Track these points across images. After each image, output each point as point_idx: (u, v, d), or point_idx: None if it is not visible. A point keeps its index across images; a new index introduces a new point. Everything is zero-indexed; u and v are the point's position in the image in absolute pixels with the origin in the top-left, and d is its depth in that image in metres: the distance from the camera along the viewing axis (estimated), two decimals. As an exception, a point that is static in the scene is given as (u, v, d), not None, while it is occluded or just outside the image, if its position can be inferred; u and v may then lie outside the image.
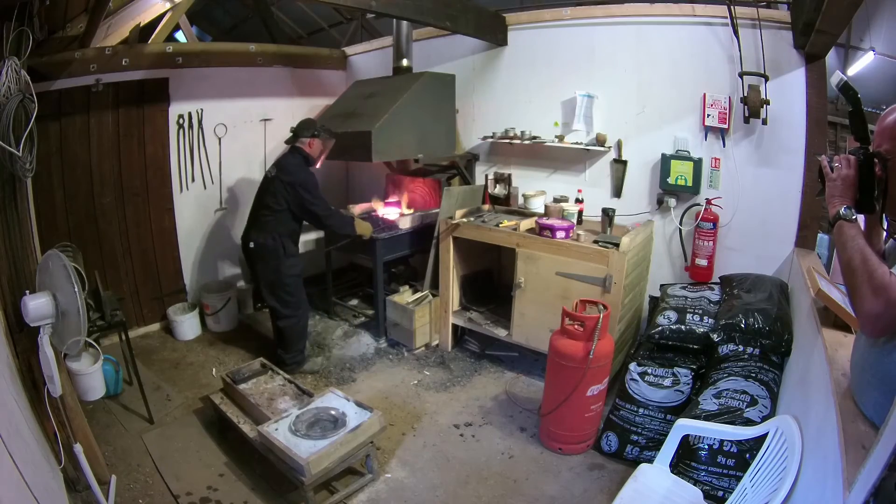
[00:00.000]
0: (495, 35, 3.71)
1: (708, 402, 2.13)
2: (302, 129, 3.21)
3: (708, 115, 2.97)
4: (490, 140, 3.82)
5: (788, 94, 2.75)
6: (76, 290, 1.89)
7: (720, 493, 1.95)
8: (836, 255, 1.29)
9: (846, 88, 1.20)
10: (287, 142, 3.29)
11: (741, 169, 2.96)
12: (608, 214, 3.18)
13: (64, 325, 1.97)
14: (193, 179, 4.00)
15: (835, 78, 1.23)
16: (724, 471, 1.97)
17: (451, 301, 3.62)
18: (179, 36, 4.86)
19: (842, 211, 1.18)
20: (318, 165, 3.31)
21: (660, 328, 2.57)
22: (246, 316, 4.25)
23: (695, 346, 2.50)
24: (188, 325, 3.87)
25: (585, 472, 2.52)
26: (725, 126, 2.94)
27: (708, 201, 3.02)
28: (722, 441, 1.98)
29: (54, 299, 1.93)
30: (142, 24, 3.42)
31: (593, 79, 3.40)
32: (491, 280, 3.92)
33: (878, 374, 1.16)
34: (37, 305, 1.88)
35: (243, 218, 3.49)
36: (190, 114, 3.89)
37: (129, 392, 3.08)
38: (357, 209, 4.06)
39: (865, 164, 1.18)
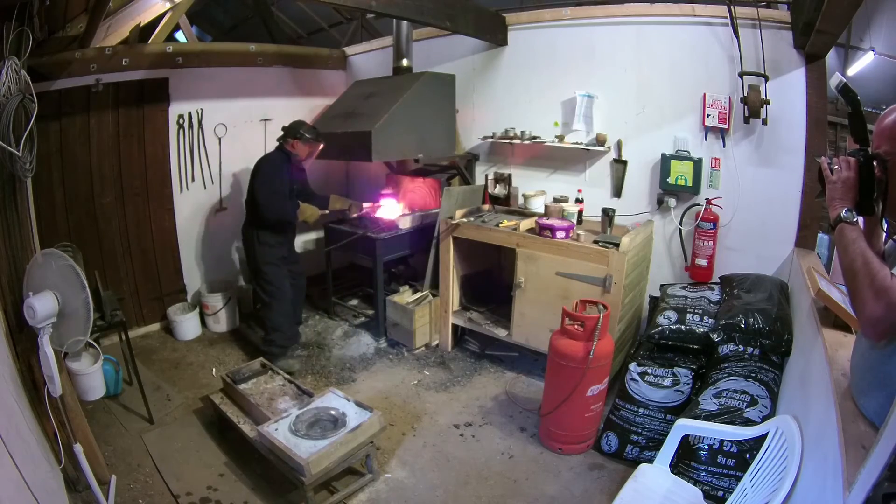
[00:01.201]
0: (495, 35, 3.71)
1: (708, 402, 2.13)
2: (287, 131, 3.32)
3: (708, 115, 2.97)
4: (490, 140, 3.82)
5: (788, 94, 2.75)
6: (85, 290, 1.91)
7: (720, 493, 1.95)
8: (836, 257, 1.28)
9: (846, 90, 1.20)
10: (277, 139, 3.39)
11: (741, 169, 2.96)
12: (608, 214, 3.19)
13: (64, 325, 1.97)
14: (193, 179, 4.00)
15: (834, 80, 1.23)
16: (724, 471, 1.97)
17: (451, 301, 3.62)
18: (179, 36, 4.86)
19: (843, 213, 1.18)
20: (306, 166, 3.45)
21: (660, 328, 2.57)
22: (246, 316, 4.25)
23: (695, 346, 2.50)
24: (188, 325, 3.87)
25: (585, 472, 2.52)
26: (725, 126, 2.95)
27: (708, 201, 3.02)
28: (722, 441, 1.98)
29: (56, 299, 1.93)
30: (142, 24, 3.42)
31: (593, 79, 3.40)
32: (491, 280, 3.92)
33: (878, 376, 1.16)
34: (44, 306, 1.88)
35: (243, 217, 3.48)
36: (190, 114, 3.89)
37: (129, 392, 3.08)
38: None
39: (865, 165, 1.18)
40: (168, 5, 3.47)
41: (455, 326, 3.68)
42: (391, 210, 4.07)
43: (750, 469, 1.78)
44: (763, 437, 1.77)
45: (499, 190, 3.92)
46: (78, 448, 2.08)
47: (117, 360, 3.05)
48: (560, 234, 3.01)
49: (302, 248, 4.77)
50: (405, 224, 3.79)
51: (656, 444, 2.35)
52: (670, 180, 3.12)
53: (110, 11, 3.16)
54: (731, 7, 2.76)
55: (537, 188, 3.72)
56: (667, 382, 2.44)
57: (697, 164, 3.04)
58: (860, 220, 1.19)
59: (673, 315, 2.61)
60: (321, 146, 3.40)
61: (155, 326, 4.00)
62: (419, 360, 3.58)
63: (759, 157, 2.91)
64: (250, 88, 4.22)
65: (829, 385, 1.40)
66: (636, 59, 3.22)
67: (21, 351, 2.04)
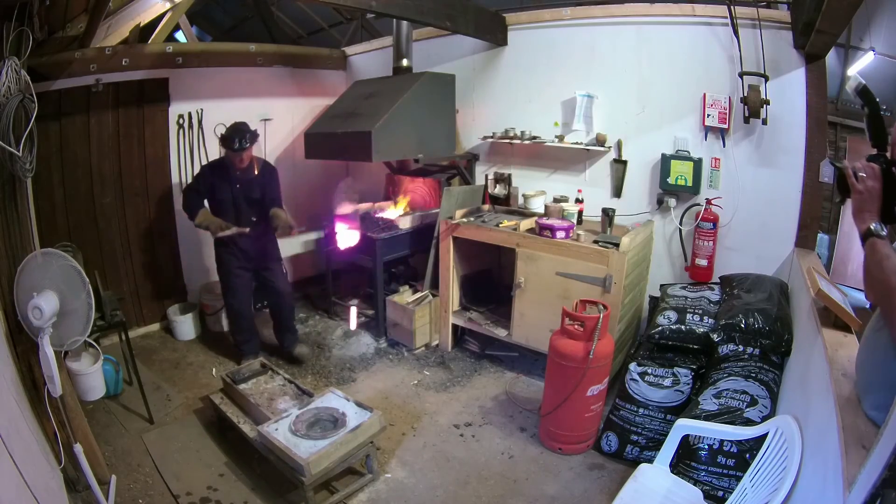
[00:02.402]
0: (495, 35, 3.71)
1: (708, 402, 2.13)
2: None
3: (708, 115, 2.97)
4: (490, 140, 3.82)
5: (788, 94, 2.75)
6: (86, 286, 1.91)
7: (720, 493, 1.95)
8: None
9: (865, 93, 1.17)
10: None
11: (741, 169, 2.96)
12: (608, 214, 3.18)
13: (63, 325, 1.97)
14: (193, 179, 4.00)
15: (853, 82, 1.19)
16: (724, 471, 1.97)
17: (451, 301, 3.62)
18: (179, 36, 4.86)
19: (873, 227, 1.13)
20: (234, 168, 3.17)
21: (660, 328, 2.57)
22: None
23: (695, 346, 2.50)
24: (188, 325, 3.87)
25: (585, 472, 2.52)
26: (725, 126, 2.94)
27: (708, 201, 3.02)
28: (722, 441, 1.98)
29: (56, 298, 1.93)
30: (142, 24, 3.42)
31: (593, 79, 3.40)
32: (491, 280, 3.92)
33: (885, 375, 1.15)
34: (50, 306, 1.87)
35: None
36: (190, 114, 3.89)
37: (129, 392, 3.08)
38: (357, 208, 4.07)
39: (888, 173, 1.13)
40: (168, 5, 3.47)
41: (455, 326, 3.68)
42: (347, 239, 3.78)
43: (750, 469, 1.78)
44: (763, 437, 1.77)
45: (499, 190, 3.92)
46: (78, 448, 2.08)
47: (117, 360, 3.05)
48: (560, 234, 3.01)
49: (302, 248, 4.76)
50: (405, 224, 3.79)
51: (656, 444, 2.35)
52: (670, 180, 3.12)
53: (110, 11, 3.16)
54: (731, 7, 2.75)
55: (537, 188, 3.72)
56: (667, 382, 2.44)
57: (697, 164, 3.03)
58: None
59: (673, 315, 2.61)
60: (241, 155, 3.09)
61: (155, 326, 4.00)
62: (419, 360, 3.58)
63: (759, 157, 2.91)
64: (250, 88, 4.22)
65: (829, 385, 1.40)
66: (636, 59, 3.21)
67: (21, 351, 2.04)
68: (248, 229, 3.22)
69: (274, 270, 3.44)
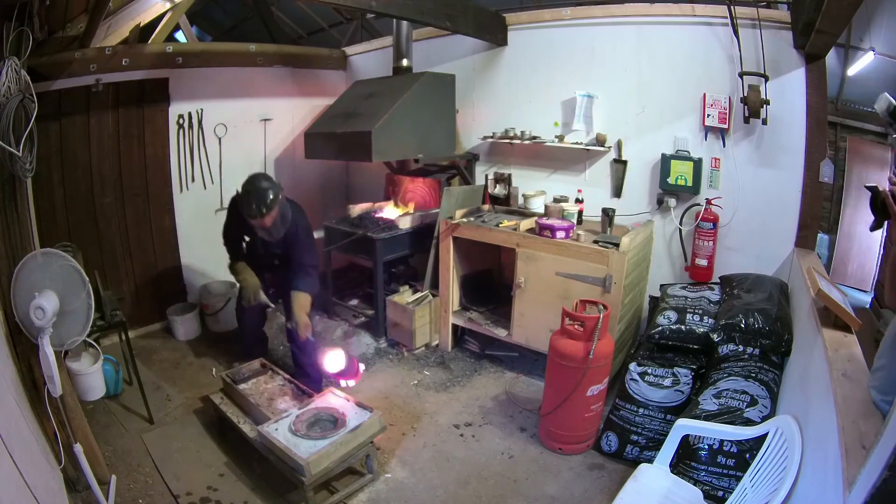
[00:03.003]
0: (495, 35, 3.71)
1: (708, 402, 2.13)
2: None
3: (708, 115, 2.97)
4: (490, 140, 3.82)
5: (788, 94, 2.75)
6: (86, 285, 1.92)
7: (720, 493, 1.95)
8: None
9: (895, 114, 1.14)
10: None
11: (741, 169, 2.96)
12: (608, 214, 3.18)
13: (63, 325, 1.97)
14: (193, 179, 4.00)
15: (882, 102, 1.14)
16: (724, 471, 1.97)
17: (451, 301, 3.61)
18: (179, 36, 4.86)
19: None
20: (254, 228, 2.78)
21: (660, 328, 2.57)
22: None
23: (695, 346, 2.50)
24: (188, 325, 3.87)
25: (585, 472, 2.52)
26: (725, 126, 2.95)
27: (708, 201, 3.02)
28: (722, 441, 1.98)
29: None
30: (142, 24, 3.42)
31: (593, 79, 3.40)
32: (491, 280, 3.91)
33: None
34: (51, 306, 1.87)
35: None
36: (190, 114, 3.89)
37: (129, 392, 3.08)
38: (357, 208, 4.07)
39: None
40: (168, 5, 3.46)
41: (455, 326, 3.68)
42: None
43: (750, 469, 1.78)
44: (763, 437, 1.77)
45: (499, 190, 3.92)
46: (78, 448, 2.08)
47: (117, 360, 3.04)
48: (560, 234, 3.01)
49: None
50: (405, 224, 3.79)
51: (656, 444, 2.35)
52: (670, 180, 3.12)
53: (110, 11, 3.16)
54: (731, 7, 2.76)
55: (537, 188, 3.72)
56: (667, 382, 2.44)
57: (697, 164, 3.04)
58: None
59: (673, 315, 2.61)
60: (262, 220, 2.64)
61: (155, 326, 3.99)
62: (419, 360, 3.58)
63: (759, 157, 2.91)
64: (250, 88, 4.22)
65: (829, 385, 1.40)
66: (636, 59, 3.22)
67: (21, 351, 2.04)
68: (272, 306, 3.07)
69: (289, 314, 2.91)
